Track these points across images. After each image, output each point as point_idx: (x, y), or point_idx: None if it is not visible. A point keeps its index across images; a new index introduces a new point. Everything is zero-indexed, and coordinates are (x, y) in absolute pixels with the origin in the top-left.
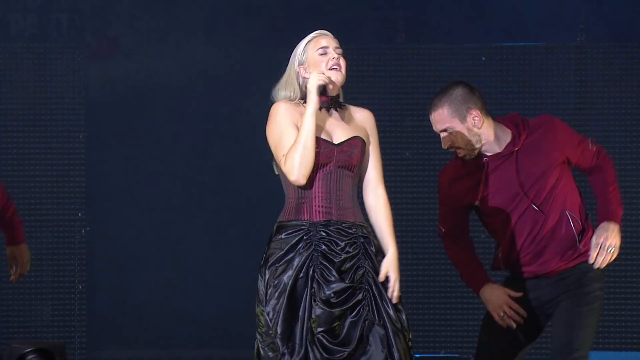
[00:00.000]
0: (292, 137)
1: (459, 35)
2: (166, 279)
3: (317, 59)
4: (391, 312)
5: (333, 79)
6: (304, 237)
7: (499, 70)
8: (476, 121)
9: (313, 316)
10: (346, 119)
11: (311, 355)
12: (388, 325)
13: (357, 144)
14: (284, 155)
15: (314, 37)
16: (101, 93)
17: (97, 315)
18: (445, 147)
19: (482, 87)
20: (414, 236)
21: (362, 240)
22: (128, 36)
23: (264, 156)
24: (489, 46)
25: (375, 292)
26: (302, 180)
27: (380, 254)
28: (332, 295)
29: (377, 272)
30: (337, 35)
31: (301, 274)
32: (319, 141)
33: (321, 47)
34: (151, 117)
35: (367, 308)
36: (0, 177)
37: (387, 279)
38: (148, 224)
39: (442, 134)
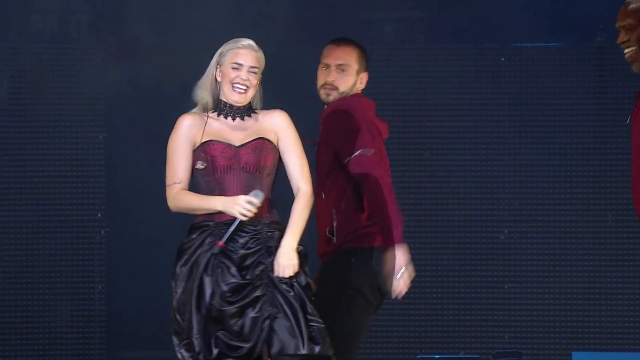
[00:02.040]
0: (181, 160)
1: (479, 35)
2: None
3: (229, 72)
4: (295, 304)
5: (233, 98)
6: (208, 238)
7: (519, 71)
8: (362, 83)
9: (214, 314)
10: (253, 124)
11: (216, 351)
12: (291, 317)
13: (261, 145)
14: (175, 184)
15: (235, 47)
16: (121, 93)
17: (116, 315)
18: (329, 81)
19: (502, 87)
20: (434, 236)
21: (266, 236)
22: (147, 36)
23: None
24: (508, 47)
25: (275, 289)
26: (173, 210)
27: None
28: (229, 293)
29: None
30: (356, 36)
31: (206, 274)
32: (219, 145)
33: (236, 63)
34: (171, 118)
35: (268, 303)
36: (20, 177)
37: (301, 274)
38: (167, 224)
39: (338, 69)
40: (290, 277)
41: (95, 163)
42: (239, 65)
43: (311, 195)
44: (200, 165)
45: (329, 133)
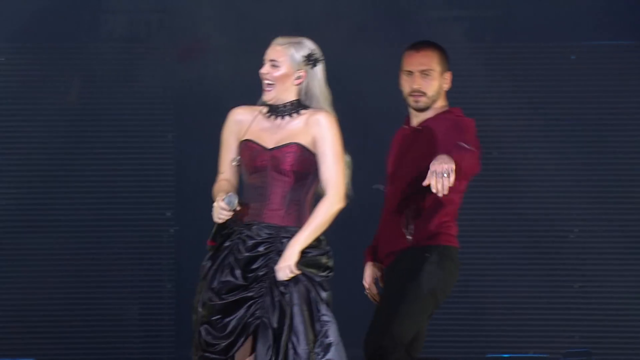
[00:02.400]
0: (228, 153)
1: (548, 33)
2: None
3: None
4: (286, 316)
5: (263, 98)
6: (231, 236)
7: (589, 69)
8: (447, 83)
9: (204, 308)
10: (293, 124)
11: (200, 343)
12: (284, 327)
13: (291, 150)
14: (220, 175)
15: (270, 46)
16: (190, 93)
17: (185, 314)
18: (415, 88)
19: (572, 85)
20: (504, 235)
21: (280, 242)
22: (216, 36)
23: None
24: (579, 45)
25: (276, 294)
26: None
27: (312, 251)
28: (222, 289)
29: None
30: (423, 35)
31: (217, 272)
32: (252, 145)
33: (264, 59)
34: None
35: (259, 307)
36: (89, 177)
37: (311, 277)
38: None
39: (422, 74)
40: (297, 278)
41: (165, 162)
42: (264, 60)
43: (336, 203)
44: (234, 162)
45: (449, 135)
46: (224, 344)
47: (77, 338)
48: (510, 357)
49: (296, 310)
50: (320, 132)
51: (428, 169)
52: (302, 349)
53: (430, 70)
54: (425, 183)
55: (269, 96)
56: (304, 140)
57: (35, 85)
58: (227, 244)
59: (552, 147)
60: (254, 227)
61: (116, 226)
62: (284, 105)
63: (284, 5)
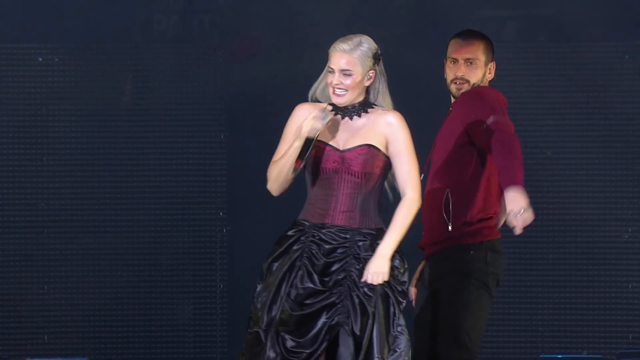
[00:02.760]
0: (283, 151)
1: (602, 33)
2: None
3: (326, 75)
4: (369, 318)
5: (334, 101)
6: (301, 238)
7: None
8: (491, 73)
9: (282, 316)
10: (364, 125)
11: (277, 350)
12: (358, 334)
13: (364, 152)
14: (273, 161)
15: (333, 50)
16: (242, 93)
17: (238, 314)
18: (459, 76)
19: (624, 85)
20: (557, 235)
21: (356, 245)
22: (268, 36)
23: None
24: (633, 44)
25: (355, 297)
26: (275, 193)
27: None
28: (303, 297)
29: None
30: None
31: (289, 273)
32: (325, 147)
33: (329, 67)
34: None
35: (341, 311)
36: (142, 177)
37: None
38: (288, 222)
39: (466, 63)
40: (382, 286)
41: (217, 162)
42: (332, 69)
43: (416, 202)
44: (305, 159)
45: (463, 108)
46: (307, 352)
47: (131, 338)
48: (563, 357)
49: (376, 316)
50: (393, 132)
51: (451, 151)
52: (375, 357)
53: (476, 59)
54: (510, 226)
55: (341, 101)
56: (376, 141)
57: (88, 85)
58: (296, 247)
59: (606, 147)
60: (325, 229)
61: (169, 227)
62: (353, 106)
63: (335, 4)
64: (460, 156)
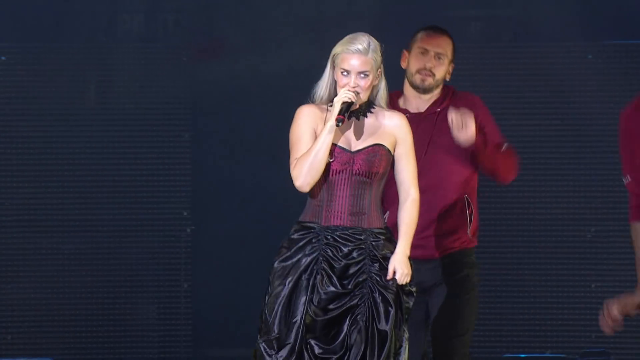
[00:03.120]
0: (308, 143)
1: (566, 33)
2: None
3: (339, 77)
4: (390, 317)
5: (347, 99)
6: (312, 240)
7: (605, 69)
8: (449, 74)
9: (307, 321)
10: (372, 125)
11: (304, 357)
12: (385, 326)
13: (376, 152)
14: (295, 159)
15: (344, 52)
16: (206, 92)
17: (202, 313)
18: (428, 67)
19: (588, 85)
20: (521, 235)
21: (371, 246)
22: (233, 36)
23: None
24: (596, 44)
25: (378, 296)
26: (306, 188)
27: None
28: (327, 301)
29: (384, 277)
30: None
31: (304, 277)
32: (335, 148)
33: (344, 70)
34: (256, 116)
35: (362, 313)
36: (105, 176)
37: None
38: (252, 222)
39: (436, 56)
40: (402, 286)
41: (181, 162)
42: (347, 72)
43: (418, 201)
44: (330, 159)
45: (485, 117)
46: (336, 357)
47: (95, 338)
48: (527, 357)
49: (391, 313)
50: (401, 134)
51: (463, 159)
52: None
53: (444, 55)
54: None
55: (357, 100)
56: (386, 142)
57: (52, 85)
58: (309, 250)
59: (569, 147)
60: (339, 232)
61: (133, 226)
62: (359, 106)
63: (301, 3)
64: (471, 163)
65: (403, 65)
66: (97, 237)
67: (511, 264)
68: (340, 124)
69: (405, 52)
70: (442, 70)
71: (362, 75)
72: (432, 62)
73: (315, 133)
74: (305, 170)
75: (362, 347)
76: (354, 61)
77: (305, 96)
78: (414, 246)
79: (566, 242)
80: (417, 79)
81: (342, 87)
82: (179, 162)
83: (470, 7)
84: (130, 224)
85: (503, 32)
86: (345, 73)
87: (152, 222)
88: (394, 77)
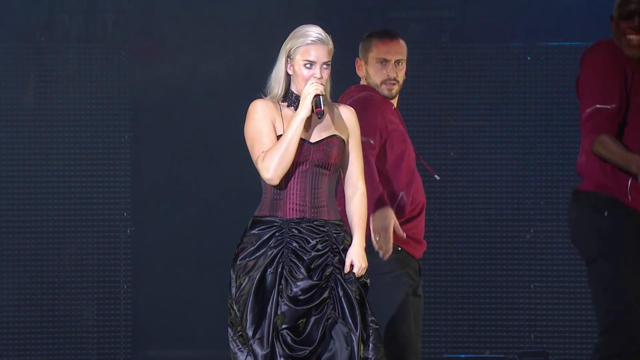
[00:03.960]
0: (270, 136)
1: (504, 34)
2: (212, 279)
3: (301, 70)
4: (357, 308)
5: (312, 91)
6: (276, 234)
7: (544, 70)
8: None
9: (279, 312)
10: (326, 117)
11: (276, 350)
12: (351, 323)
13: (334, 143)
14: (263, 152)
15: (305, 44)
16: (146, 93)
17: (142, 314)
18: (391, 76)
19: (527, 86)
20: (459, 235)
21: (333, 238)
22: (173, 36)
23: None
24: (534, 45)
25: (340, 290)
26: (276, 181)
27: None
28: (299, 292)
29: (341, 266)
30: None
31: (270, 270)
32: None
33: (308, 61)
34: (196, 118)
35: (332, 306)
36: (45, 177)
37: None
38: (192, 224)
39: (396, 63)
40: (358, 278)
41: (121, 163)
42: (311, 63)
43: (366, 193)
44: None
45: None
46: (309, 349)
47: (34, 339)
48: (466, 357)
49: (356, 307)
50: (353, 126)
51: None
52: (375, 329)
53: (403, 59)
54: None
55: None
56: (342, 133)
57: None
58: (273, 243)
59: (509, 148)
60: (304, 224)
61: (73, 227)
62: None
63: (241, 5)
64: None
65: (360, 74)
66: (36, 237)
67: (450, 264)
68: (320, 116)
69: (360, 61)
70: (402, 74)
71: (325, 65)
72: (393, 71)
73: (274, 126)
74: (276, 163)
75: (333, 343)
76: (319, 52)
77: (244, 96)
78: (421, 242)
79: (506, 243)
80: (384, 89)
81: (307, 79)
82: (118, 163)
83: (409, 9)
84: (70, 224)
85: (442, 33)
86: (308, 65)
87: (92, 223)
88: (336, 77)
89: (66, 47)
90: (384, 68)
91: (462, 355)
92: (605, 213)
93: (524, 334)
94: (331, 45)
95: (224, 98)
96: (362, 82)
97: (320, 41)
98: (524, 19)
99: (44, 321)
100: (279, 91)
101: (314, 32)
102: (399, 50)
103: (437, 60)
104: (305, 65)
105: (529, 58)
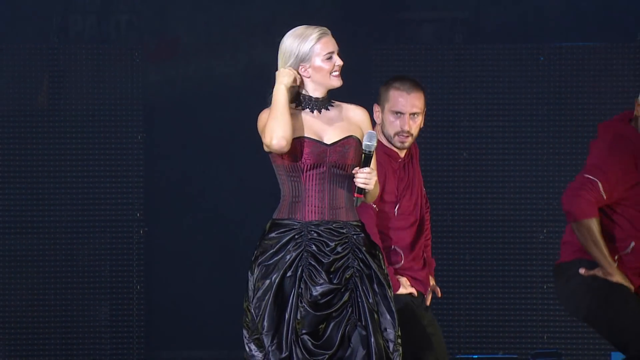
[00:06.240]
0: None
1: (517, 35)
2: (225, 279)
3: (322, 64)
4: (374, 314)
5: (336, 85)
6: (295, 237)
7: (557, 71)
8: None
9: (299, 317)
10: (338, 118)
11: (294, 355)
12: (370, 327)
13: (350, 144)
14: (266, 123)
15: (321, 39)
16: (159, 94)
17: (155, 315)
18: (405, 130)
19: (540, 87)
20: (473, 236)
21: (353, 240)
22: (186, 37)
23: None
24: (547, 46)
25: (361, 293)
26: (283, 143)
27: (374, 249)
28: (319, 297)
29: (365, 272)
30: (394, 36)
31: (289, 273)
32: (309, 142)
33: (328, 52)
34: (209, 118)
35: (351, 309)
36: (59, 178)
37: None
38: (206, 224)
39: (411, 116)
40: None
41: (134, 163)
42: (331, 54)
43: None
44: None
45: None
46: (329, 353)
47: (48, 339)
48: (479, 357)
49: (382, 302)
50: (366, 125)
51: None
52: (394, 334)
53: (419, 112)
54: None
55: (339, 83)
56: (358, 133)
57: (4, 86)
58: (292, 247)
59: (521, 149)
60: (323, 227)
61: (86, 227)
62: (325, 98)
63: (255, 5)
64: None
65: (376, 119)
66: (49, 238)
67: (463, 265)
68: (358, 203)
69: (377, 107)
70: (418, 125)
71: (339, 55)
72: (408, 124)
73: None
74: (275, 127)
75: (350, 345)
76: (331, 41)
77: (257, 96)
78: (420, 282)
79: (519, 244)
80: (397, 141)
81: (330, 71)
82: (131, 163)
83: (422, 10)
84: (83, 225)
85: (455, 34)
86: (329, 56)
87: (106, 224)
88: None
89: (80, 48)
90: (399, 120)
91: (475, 356)
92: (588, 273)
93: (537, 335)
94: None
95: (237, 99)
96: (377, 127)
97: (325, 33)
98: (536, 19)
99: (57, 321)
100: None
101: (311, 28)
102: (415, 103)
103: (450, 61)
104: (326, 57)
105: (541, 59)
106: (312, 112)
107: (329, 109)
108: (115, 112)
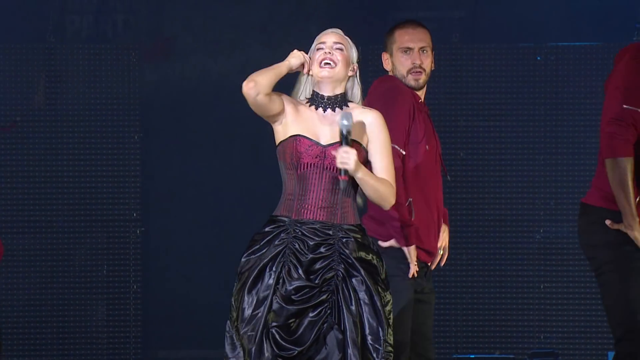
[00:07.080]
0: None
1: (515, 34)
2: (222, 279)
3: (314, 56)
4: (352, 320)
5: (321, 75)
6: (281, 234)
7: (554, 70)
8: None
9: (273, 309)
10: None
11: (264, 347)
12: (347, 332)
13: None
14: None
15: (322, 34)
16: (156, 93)
17: (152, 315)
18: (417, 64)
19: (537, 87)
20: (470, 236)
21: (340, 242)
22: (183, 37)
23: None
24: (544, 46)
25: (341, 297)
26: (251, 84)
27: (369, 254)
28: (293, 291)
29: (351, 276)
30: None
31: (272, 268)
32: (306, 141)
33: (320, 43)
34: (206, 118)
35: (329, 311)
36: (56, 177)
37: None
38: (203, 224)
39: (421, 50)
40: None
41: (131, 163)
42: (322, 44)
43: (394, 192)
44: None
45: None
46: (298, 350)
47: (44, 338)
48: (476, 357)
49: (366, 307)
50: (374, 131)
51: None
52: (379, 343)
53: (428, 46)
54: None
55: (329, 75)
56: (358, 137)
57: (1, 86)
58: (277, 242)
59: (518, 148)
60: (307, 226)
61: (83, 227)
62: (336, 97)
63: (251, 5)
64: None
65: (387, 67)
66: (46, 237)
67: (460, 265)
68: (342, 186)
69: (386, 55)
70: (429, 63)
71: (337, 47)
72: (419, 58)
73: (285, 109)
74: (256, 73)
75: (325, 347)
76: (328, 36)
77: None
78: (427, 252)
79: (516, 244)
80: (410, 79)
81: (318, 60)
82: (128, 163)
83: (419, 9)
84: (80, 225)
85: (452, 33)
86: (320, 46)
87: (102, 223)
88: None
89: (76, 48)
90: (409, 57)
91: (472, 356)
92: (614, 225)
93: (533, 335)
94: (346, 37)
95: (234, 98)
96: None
97: (333, 31)
98: (534, 19)
99: (54, 321)
100: (306, 92)
101: (330, 29)
102: (422, 37)
103: (447, 60)
104: (318, 49)
105: (539, 58)
106: (324, 110)
107: (342, 109)
108: (112, 111)
